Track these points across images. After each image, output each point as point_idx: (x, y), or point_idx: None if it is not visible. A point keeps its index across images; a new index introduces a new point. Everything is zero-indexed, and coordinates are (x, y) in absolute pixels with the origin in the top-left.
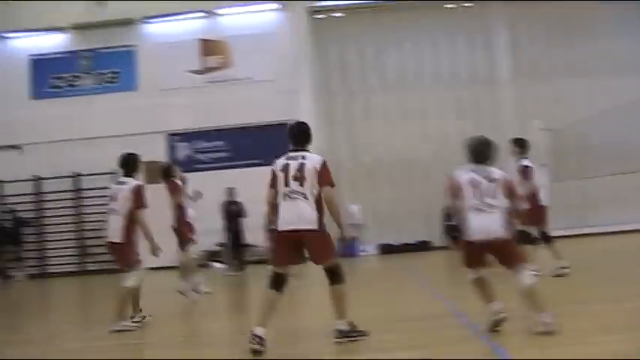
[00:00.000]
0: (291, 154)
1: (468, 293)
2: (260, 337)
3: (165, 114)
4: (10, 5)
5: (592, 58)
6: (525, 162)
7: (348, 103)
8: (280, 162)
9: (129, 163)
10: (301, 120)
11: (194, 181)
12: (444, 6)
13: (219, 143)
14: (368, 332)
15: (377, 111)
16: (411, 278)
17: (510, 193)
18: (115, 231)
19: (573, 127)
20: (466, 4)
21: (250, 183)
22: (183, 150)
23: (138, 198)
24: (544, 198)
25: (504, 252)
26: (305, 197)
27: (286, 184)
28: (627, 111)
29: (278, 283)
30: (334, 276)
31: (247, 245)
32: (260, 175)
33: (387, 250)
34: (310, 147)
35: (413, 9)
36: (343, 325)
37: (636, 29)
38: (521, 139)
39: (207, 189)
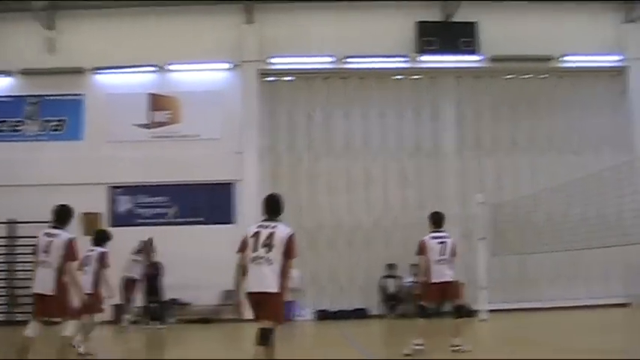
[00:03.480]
0: (264, 222)
1: None
2: None
3: (109, 166)
4: None
5: (536, 134)
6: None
7: (293, 166)
8: (251, 229)
9: (61, 215)
10: (271, 193)
11: (133, 235)
12: (393, 77)
13: (162, 199)
14: None
15: (322, 176)
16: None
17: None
18: (45, 283)
19: (515, 202)
20: (415, 77)
21: (192, 240)
22: (125, 203)
23: (70, 251)
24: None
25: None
26: (270, 263)
27: (255, 250)
28: (568, 188)
29: (264, 339)
30: (266, 339)
31: (169, 302)
32: (202, 233)
33: (322, 316)
34: (281, 217)
35: (362, 78)
36: None
37: (580, 107)
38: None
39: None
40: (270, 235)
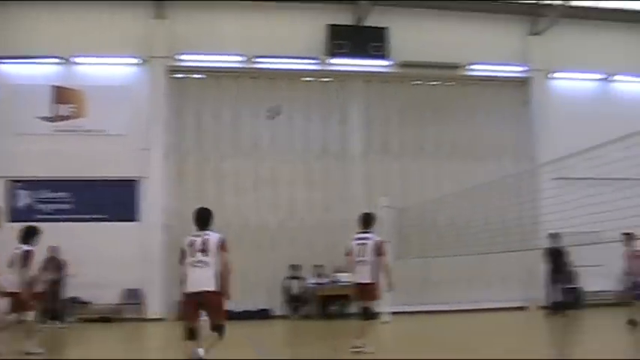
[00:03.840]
0: (197, 232)
1: None
2: None
3: (9, 159)
4: None
5: (442, 140)
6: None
7: (200, 165)
8: (187, 240)
9: None
10: (201, 207)
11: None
12: (302, 79)
13: (64, 194)
14: None
15: (229, 176)
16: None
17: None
18: None
19: (419, 206)
20: (324, 80)
21: (94, 238)
22: (24, 198)
23: None
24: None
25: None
26: (207, 265)
27: (193, 256)
28: (471, 194)
29: (192, 335)
30: (219, 329)
31: (69, 301)
32: (104, 230)
33: (227, 316)
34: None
35: (272, 79)
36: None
37: (485, 115)
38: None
39: (44, 240)
40: (205, 242)
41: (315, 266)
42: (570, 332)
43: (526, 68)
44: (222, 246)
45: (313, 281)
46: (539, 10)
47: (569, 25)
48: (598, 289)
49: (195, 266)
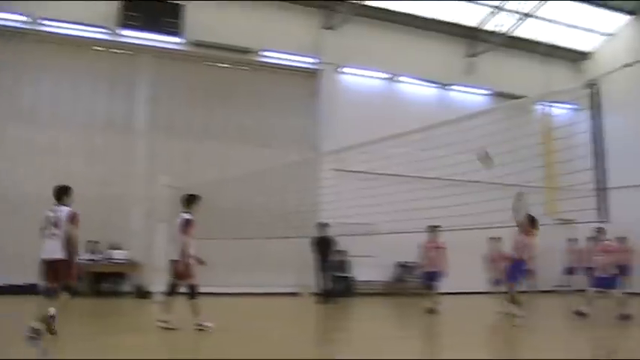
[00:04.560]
0: (54, 207)
1: None
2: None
3: None
4: None
5: (229, 124)
6: (186, 216)
7: None
8: (45, 213)
9: None
10: (60, 185)
11: None
12: (93, 48)
13: None
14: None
15: (4, 142)
16: None
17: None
18: None
19: (201, 187)
20: (115, 50)
21: None
22: None
23: None
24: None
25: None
26: (57, 237)
27: (47, 228)
28: (254, 179)
29: (48, 293)
30: (68, 289)
31: None
32: None
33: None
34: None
35: (60, 44)
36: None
37: (273, 103)
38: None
39: None
40: (57, 217)
41: (89, 242)
42: (334, 318)
43: (317, 60)
44: (70, 220)
45: (86, 257)
46: (334, 5)
47: (360, 23)
48: (369, 279)
49: (48, 237)
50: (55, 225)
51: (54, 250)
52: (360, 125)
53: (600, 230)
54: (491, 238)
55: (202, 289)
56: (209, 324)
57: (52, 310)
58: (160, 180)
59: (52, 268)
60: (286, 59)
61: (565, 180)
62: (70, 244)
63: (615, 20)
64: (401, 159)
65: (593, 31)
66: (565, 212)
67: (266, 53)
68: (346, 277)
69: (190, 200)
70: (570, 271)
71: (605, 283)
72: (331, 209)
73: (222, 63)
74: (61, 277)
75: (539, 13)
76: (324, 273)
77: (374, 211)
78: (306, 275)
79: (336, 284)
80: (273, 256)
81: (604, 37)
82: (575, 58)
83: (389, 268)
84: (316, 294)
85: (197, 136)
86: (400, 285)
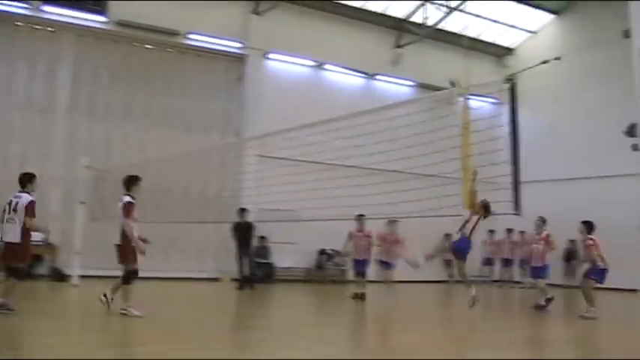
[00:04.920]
0: (17, 193)
1: None
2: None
3: None
4: None
5: (151, 106)
6: (128, 198)
7: None
8: (8, 199)
9: None
10: (25, 171)
11: None
12: (13, 23)
13: None
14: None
15: None
16: None
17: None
18: None
19: (121, 169)
20: (36, 26)
21: None
22: None
23: None
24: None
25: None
26: (15, 222)
27: (8, 212)
28: (175, 163)
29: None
30: (12, 271)
31: None
32: None
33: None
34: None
35: None
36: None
37: (198, 86)
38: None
39: None
40: (16, 203)
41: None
42: (253, 305)
43: (244, 45)
44: (26, 208)
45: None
46: None
47: (289, 9)
48: (289, 265)
49: (7, 222)
50: (14, 210)
51: (8, 234)
52: (285, 112)
53: (541, 220)
54: (389, 221)
55: (117, 273)
56: (137, 312)
57: None
58: (80, 161)
59: (7, 249)
60: (213, 43)
61: (483, 172)
62: (24, 230)
63: (539, 18)
64: (324, 147)
65: (517, 27)
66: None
67: (193, 36)
68: (267, 263)
69: (131, 181)
70: (489, 261)
71: (537, 273)
72: (253, 195)
73: (148, 44)
74: (11, 259)
75: (465, 8)
76: (245, 259)
77: (296, 198)
78: (226, 261)
79: (256, 270)
80: (193, 241)
81: (528, 35)
82: (499, 53)
83: (310, 255)
84: (236, 280)
85: (119, 117)
86: (321, 272)
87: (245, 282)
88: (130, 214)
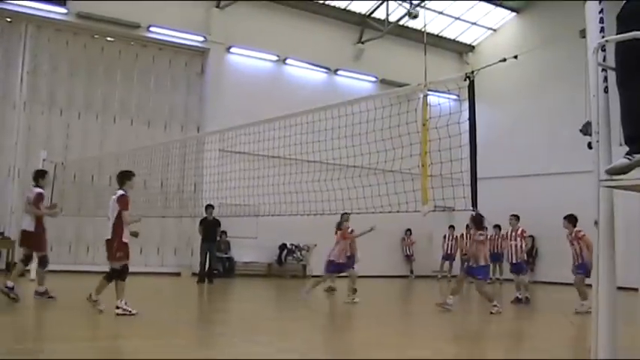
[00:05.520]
0: (31, 187)
1: None
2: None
3: None
4: None
5: (110, 99)
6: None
7: None
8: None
9: None
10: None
11: None
12: None
13: None
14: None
15: None
16: None
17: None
18: None
19: (80, 163)
20: None
21: None
22: None
23: None
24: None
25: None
26: (30, 213)
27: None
28: (135, 157)
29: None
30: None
31: None
32: None
33: None
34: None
35: None
36: None
37: (159, 80)
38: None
39: None
40: (29, 196)
41: None
42: (213, 299)
43: (205, 39)
44: (34, 201)
45: None
46: None
47: (251, 3)
48: (250, 260)
49: (25, 212)
50: (29, 203)
51: (25, 224)
52: (247, 106)
53: (514, 217)
54: (344, 214)
55: (75, 268)
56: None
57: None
58: (38, 154)
59: (23, 237)
60: (174, 36)
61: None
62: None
63: (500, 16)
64: (286, 142)
65: (479, 25)
66: (441, 200)
67: (154, 29)
68: (227, 257)
69: (124, 176)
70: (448, 257)
71: (517, 269)
72: (214, 189)
73: (109, 37)
74: (27, 246)
75: (428, 5)
76: (207, 254)
77: (257, 193)
78: (186, 255)
79: (217, 265)
80: (154, 236)
81: (489, 32)
82: (460, 50)
83: (271, 250)
84: (196, 274)
85: (78, 110)
86: (281, 267)
87: (205, 276)
88: (126, 206)
